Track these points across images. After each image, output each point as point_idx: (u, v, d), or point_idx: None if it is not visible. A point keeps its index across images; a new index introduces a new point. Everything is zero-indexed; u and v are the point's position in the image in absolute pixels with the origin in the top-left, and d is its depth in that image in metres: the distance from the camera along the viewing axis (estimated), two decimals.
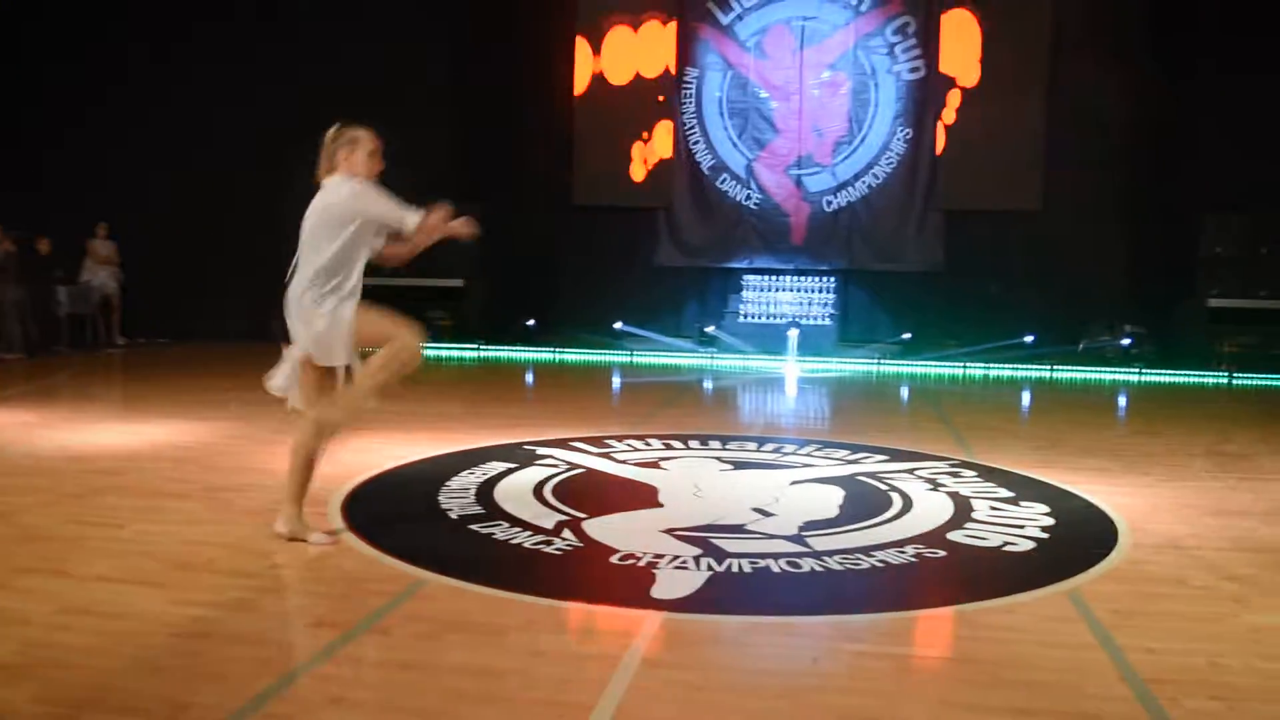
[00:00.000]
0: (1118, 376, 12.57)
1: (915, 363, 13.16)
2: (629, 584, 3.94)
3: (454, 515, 4.91)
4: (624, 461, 6.26)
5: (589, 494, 5.40)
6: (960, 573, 4.23)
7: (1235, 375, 12.44)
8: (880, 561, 4.27)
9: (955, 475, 6.06)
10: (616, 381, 11.62)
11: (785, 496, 5.38)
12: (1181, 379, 12.44)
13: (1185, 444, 7.68)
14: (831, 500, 5.30)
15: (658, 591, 3.83)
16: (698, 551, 4.31)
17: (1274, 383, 12.24)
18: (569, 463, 6.17)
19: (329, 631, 3.41)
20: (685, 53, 15.35)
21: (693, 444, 6.93)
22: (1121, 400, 10.91)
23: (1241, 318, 12.85)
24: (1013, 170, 14.45)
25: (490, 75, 15.14)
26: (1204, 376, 12.51)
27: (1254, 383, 12.26)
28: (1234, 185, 13.27)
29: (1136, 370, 12.70)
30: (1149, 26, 14.23)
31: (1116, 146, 14.23)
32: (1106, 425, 9.11)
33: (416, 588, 3.87)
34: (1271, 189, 13.08)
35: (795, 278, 14.74)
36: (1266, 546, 4.75)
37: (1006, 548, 4.55)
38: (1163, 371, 12.66)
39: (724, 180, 15.34)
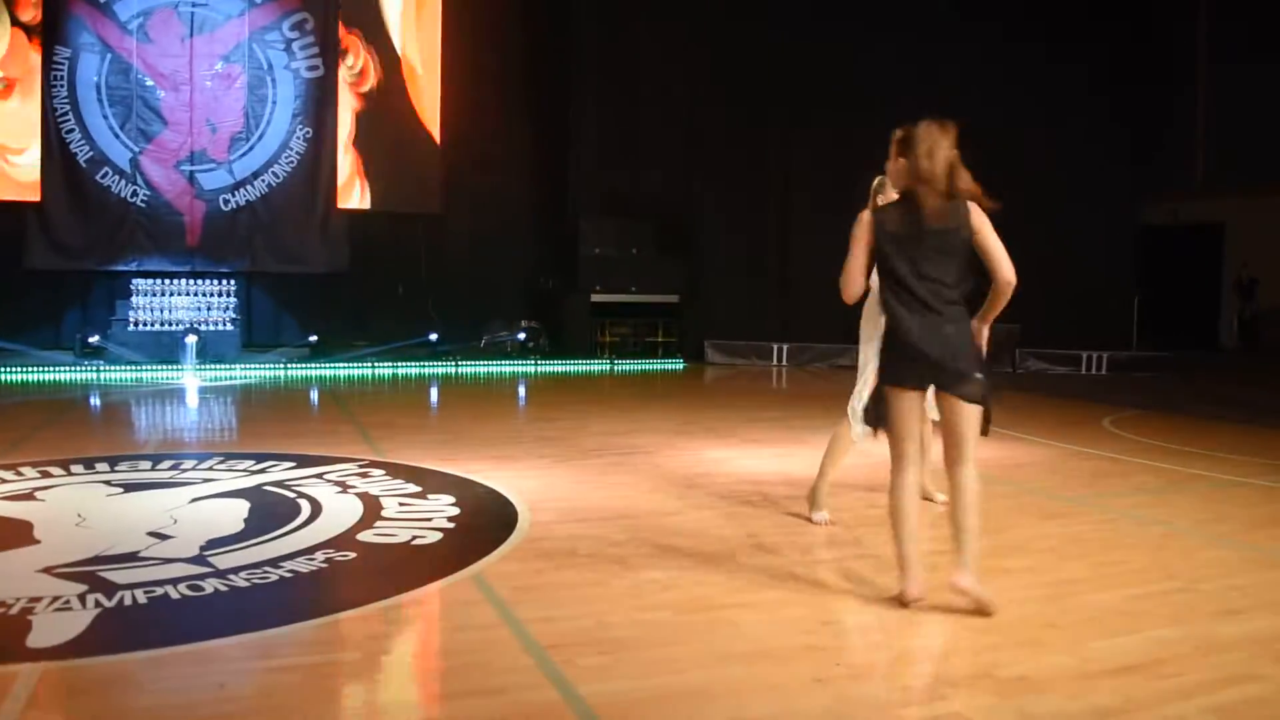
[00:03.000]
0: (517, 368, 13.47)
1: (323, 365, 13.02)
2: None
3: None
4: None
5: None
6: (372, 572, 4.25)
7: (615, 362, 13.92)
8: (290, 571, 4.15)
9: (365, 475, 6.08)
10: None
11: (184, 516, 5.03)
12: (572, 368, 13.64)
13: (576, 427, 8.44)
14: (236, 514, 5.05)
15: (35, 640, 3.38)
16: (82, 588, 3.87)
17: (645, 367, 13.89)
18: None
19: None
20: (54, 30, 13.71)
21: (75, 469, 6.22)
22: (521, 391, 11.70)
23: (617, 311, 14.41)
24: (415, 174, 14.88)
25: None
26: (590, 365, 13.84)
27: (629, 368, 13.82)
28: (610, 192, 14.90)
29: (533, 362, 13.69)
30: (530, 57, 15.46)
31: (512, 154, 15.24)
32: (507, 415, 9.72)
33: None
34: (640, 197, 14.88)
35: (192, 281, 13.80)
36: (639, 512, 5.36)
37: (415, 541, 4.66)
38: (556, 361, 13.78)
39: (105, 175, 13.96)
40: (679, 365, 14.02)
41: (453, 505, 5.36)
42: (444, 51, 14.93)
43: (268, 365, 12.88)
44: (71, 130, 13.84)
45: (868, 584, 4.18)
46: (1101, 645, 3.49)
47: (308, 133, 14.72)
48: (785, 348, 14.56)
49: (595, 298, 14.31)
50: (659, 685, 3.12)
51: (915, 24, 15.19)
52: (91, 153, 13.91)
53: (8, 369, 11.81)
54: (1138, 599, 4.01)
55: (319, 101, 14.75)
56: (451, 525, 4.96)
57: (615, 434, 8.09)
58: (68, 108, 13.82)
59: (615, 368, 13.78)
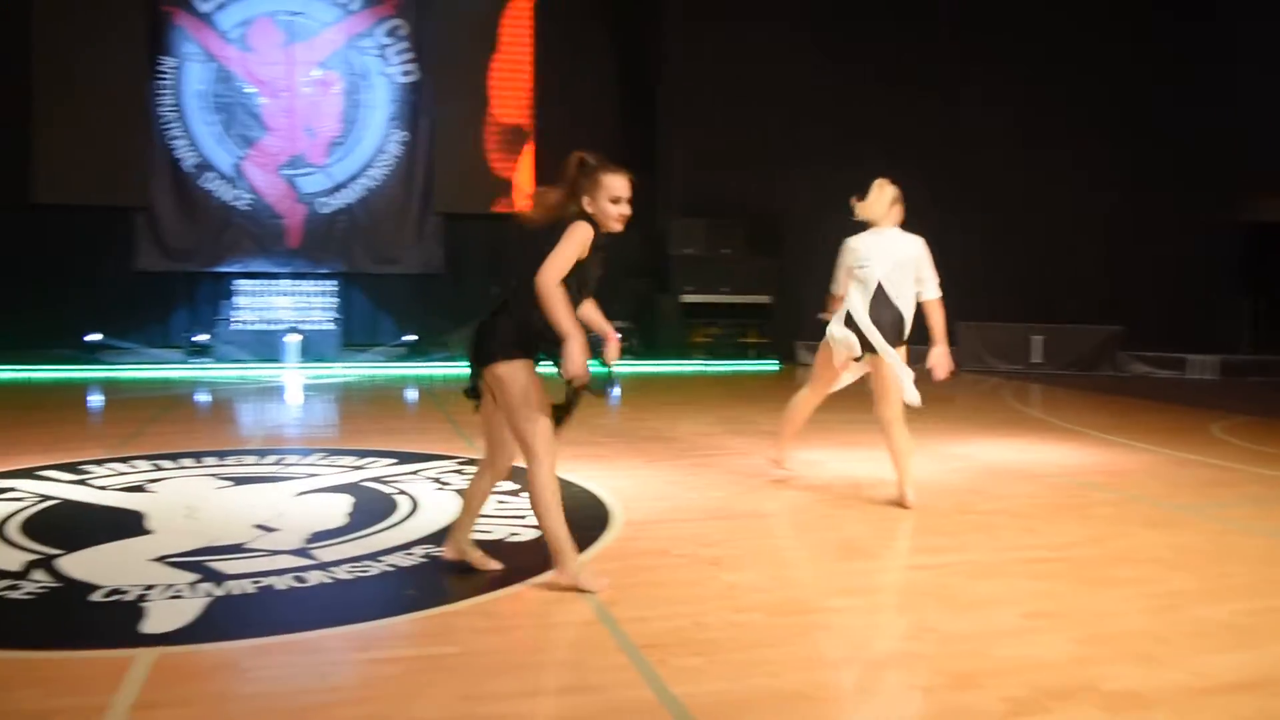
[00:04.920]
0: (609, 369, 13.49)
1: (420, 364, 13.26)
2: (115, 622, 3.57)
3: None
4: (104, 488, 5.67)
5: (64, 527, 4.81)
6: (468, 567, 4.30)
7: (707, 363, 13.91)
8: (390, 565, 4.24)
9: (461, 473, 6.17)
10: (96, 399, 10.50)
11: (289, 509, 5.17)
12: (664, 369, 13.67)
13: (668, 428, 8.45)
14: (338, 509, 5.18)
15: (148, 626, 3.51)
16: (193, 577, 4.00)
17: (736, 368, 13.84)
18: (38, 494, 5.47)
19: None
20: (159, 40, 14.21)
21: (185, 462, 6.44)
22: (613, 391, 11.73)
23: (709, 311, 14.39)
24: (505, 175, 15.08)
25: None
26: (682, 365, 13.84)
27: (721, 369, 13.79)
28: (700, 192, 14.88)
29: (625, 362, 13.74)
30: (621, 56, 15.53)
31: (603, 154, 15.30)
32: (600, 415, 9.75)
33: None
34: (730, 197, 14.84)
35: (293, 282, 14.22)
36: (734, 514, 5.35)
37: (511, 538, 4.71)
38: (648, 362, 13.82)
39: (210, 179, 14.43)
40: (775, 366, 13.93)
41: None
42: (535, 52, 15.09)
43: (366, 364, 13.16)
44: (178, 137, 14.32)
45: (966, 591, 4.11)
46: (1213, 661, 3.37)
47: (404, 136, 15.00)
48: None
49: (686, 298, 14.30)
50: (754, 688, 3.11)
51: (1006, 25, 14.92)
52: (198, 159, 14.38)
53: (121, 367, 12.30)
54: (1250, 614, 3.86)
55: (413, 106, 15.03)
56: None
57: (708, 435, 8.08)
58: (174, 115, 14.30)
59: (707, 369, 13.76)
